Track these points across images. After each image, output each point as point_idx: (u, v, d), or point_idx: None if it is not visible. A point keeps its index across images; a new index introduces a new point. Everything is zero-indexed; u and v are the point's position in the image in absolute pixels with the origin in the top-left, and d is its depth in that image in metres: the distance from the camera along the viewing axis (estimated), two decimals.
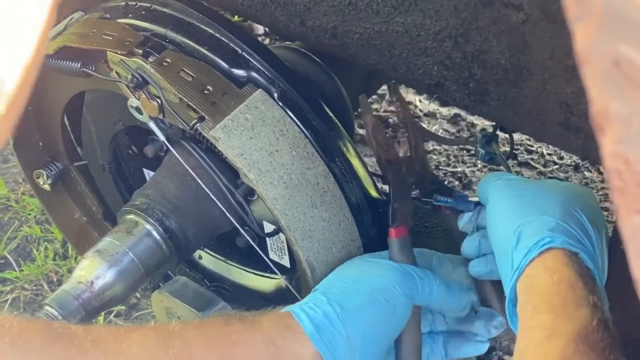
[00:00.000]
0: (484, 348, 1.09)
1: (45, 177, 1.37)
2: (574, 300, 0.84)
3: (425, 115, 2.06)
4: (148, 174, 1.34)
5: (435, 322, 1.09)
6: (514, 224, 0.93)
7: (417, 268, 1.03)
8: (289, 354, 0.96)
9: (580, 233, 0.90)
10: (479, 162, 1.94)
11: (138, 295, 1.81)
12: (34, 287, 1.82)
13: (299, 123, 1.09)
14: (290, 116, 1.09)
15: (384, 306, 1.00)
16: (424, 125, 2.01)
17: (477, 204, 1.08)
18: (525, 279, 0.89)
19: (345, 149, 1.11)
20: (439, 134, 1.99)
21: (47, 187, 1.38)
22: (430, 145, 1.98)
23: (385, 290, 1.01)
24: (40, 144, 1.36)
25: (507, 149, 1.55)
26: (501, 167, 1.29)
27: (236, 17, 1.58)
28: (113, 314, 1.77)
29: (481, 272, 1.04)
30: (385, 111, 2.07)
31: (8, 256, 1.85)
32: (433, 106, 2.08)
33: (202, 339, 0.95)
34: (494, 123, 1.23)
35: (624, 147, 0.39)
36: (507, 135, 1.45)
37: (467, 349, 1.09)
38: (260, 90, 1.09)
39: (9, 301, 1.78)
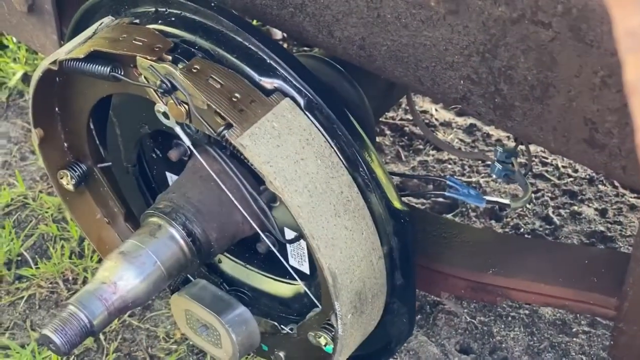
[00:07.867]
0: None
1: (69, 177, 1.39)
2: None
3: (441, 124, 2.07)
4: (171, 177, 1.35)
5: None
6: None
7: None
8: None
9: None
10: None
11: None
12: (49, 285, 1.83)
13: (324, 132, 1.11)
14: (316, 125, 1.11)
15: None
16: (440, 135, 2.02)
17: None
18: None
19: (369, 159, 1.12)
20: (454, 143, 2.00)
21: (70, 187, 1.40)
22: (445, 155, 1.99)
23: None
24: (66, 144, 1.37)
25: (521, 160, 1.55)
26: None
27: (255, 21, 1.58)
28: (127, 314, 1.79)
29: None
30: (401, 119, 2.08)
31: (25, 253, 1.86)
32: (449, 116, 2.08)
33: None
34: (508, 134, 1.25)
35: None
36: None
37: None
38: (287, 98, 1.10)
39: (25, 298, 1.79)
